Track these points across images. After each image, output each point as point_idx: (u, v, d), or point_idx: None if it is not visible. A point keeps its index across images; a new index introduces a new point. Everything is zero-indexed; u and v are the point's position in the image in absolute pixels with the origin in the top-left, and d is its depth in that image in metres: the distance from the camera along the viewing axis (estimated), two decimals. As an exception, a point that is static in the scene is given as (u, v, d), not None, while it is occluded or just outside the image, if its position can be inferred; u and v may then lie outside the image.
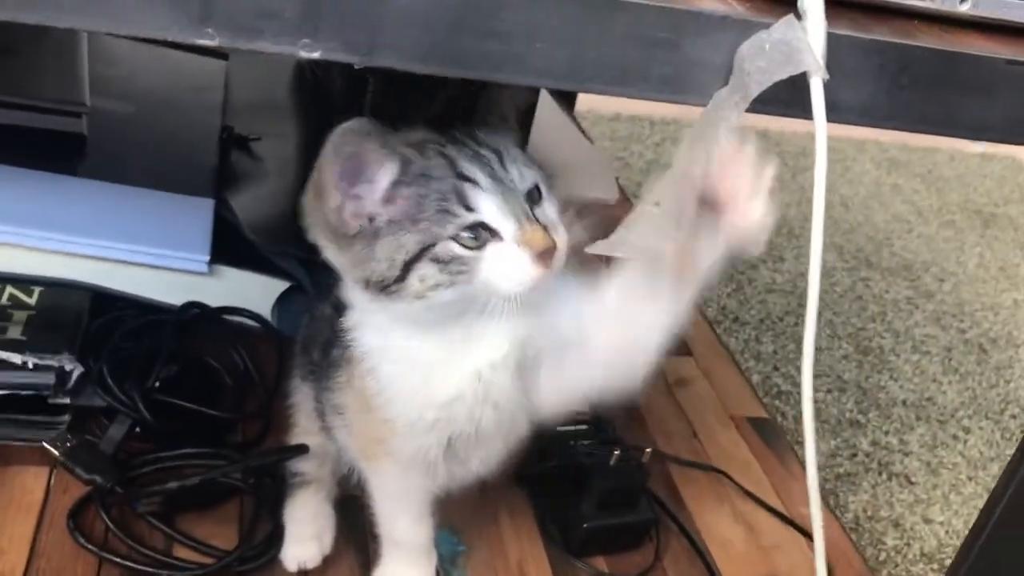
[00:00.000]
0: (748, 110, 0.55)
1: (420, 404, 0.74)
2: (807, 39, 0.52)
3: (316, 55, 0.49)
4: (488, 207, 0.66)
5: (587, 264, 0.73)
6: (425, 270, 0.67)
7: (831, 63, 0.53)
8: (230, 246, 1.07)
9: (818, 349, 1.77)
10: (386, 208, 0.67)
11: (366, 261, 0.68)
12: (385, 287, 0.68)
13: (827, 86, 0.54)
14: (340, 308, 0.77)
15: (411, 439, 0.76)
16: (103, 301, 1.02)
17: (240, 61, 1.40)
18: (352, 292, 0.74)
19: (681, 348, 1.32)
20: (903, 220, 2.40)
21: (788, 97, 0.54)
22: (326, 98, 1.35)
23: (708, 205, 0.61)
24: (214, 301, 1.06)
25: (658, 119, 2.63)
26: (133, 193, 1.06)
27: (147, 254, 1.01)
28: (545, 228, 0.67)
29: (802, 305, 1.91)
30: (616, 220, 0.66)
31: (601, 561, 0.96)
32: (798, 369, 1.72)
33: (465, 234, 0.66)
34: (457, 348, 0.73)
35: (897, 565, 1.37)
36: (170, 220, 1.05)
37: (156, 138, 1.17)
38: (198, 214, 1.06)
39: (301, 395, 0.95)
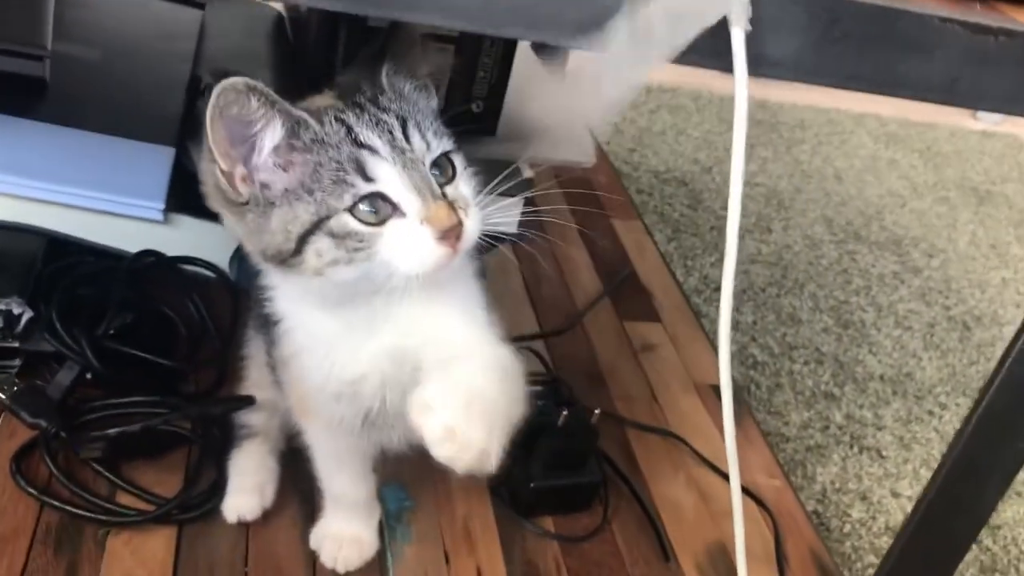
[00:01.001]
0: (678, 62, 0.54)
1: (324, 376, 0.72)
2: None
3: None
4: (388, 177, 0.63)
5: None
6: (320, 244, 0.63)
7: (757, 14, 0.52)
8: (190, 195, 1.06)
9: (798, 321, 1.78)
10: (280, 176, 0.64)
11: (261, 231, 0.65)
12: (282, 260, 0.65)
13: (752, 39, 0.52)
14: None
15: (323, 406, 0.76)
16: (58, 247, 1.02)
17: (216, 11, 1.38)
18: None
19: (650, 314, 1.32)
20: (897, 195, 2.38)
21: (711, 48, 0.52)
22: (300, 50, 1.33)
23: None
24: (173, 251, 1.06)
25: (655, 86, 2.60)
26: (92, 139, 1.05)
27: (102, 200, 1.00)
28: (452, 205, 0.64)
29: (786, 277, 1.91)
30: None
31: (549, 522, 0.96)
32: (777, 340, 1.72)
33: (363, 207, 0.63)
34: (361, 329, 0.70)
35: (861, 537, 1.36)
36: (127, 167, 1.04)
37: (121, 85, 1.16)
38: (156, 162, 1.05)
39: (254, 347, 0.94)
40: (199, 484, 0.89)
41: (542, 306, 1.28)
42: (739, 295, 1.81)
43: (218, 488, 0.89)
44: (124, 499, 0.87)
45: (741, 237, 2.05)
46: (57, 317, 0.93)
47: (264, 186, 0.64)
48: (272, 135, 0.63)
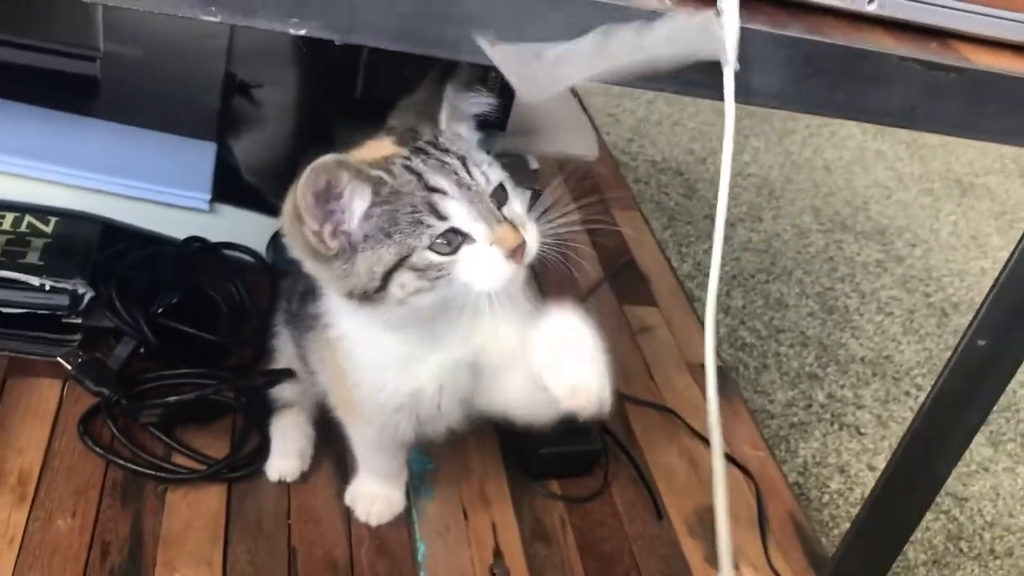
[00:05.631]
0: (676, 91, 0.64)
1: (387, 392, 0.82)
2: (722, 34, 0.61)
3: (303, 32, 0.58)
4: (458, 213, 0.71)
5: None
6: (404, 278, 0.71)
7: (746, 53, 0.62)
8: (230, 186, 1.17)
9: (784, 305, 1.89)
10: (362, 226, 0.71)
11: (347, 276, 0.72)
12: (367, 296, 0.73)
13: (742, 73, 0.63)
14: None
15: (380, 416, 0.85)
16: (112, 233, 1.11)
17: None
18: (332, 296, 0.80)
19: (647, 298, 1.42)
20: (883, 186, 2.48)
21: (708, 81, 0.63)
22: (325, 50, 1.42)
23: None
24: (214, 237, 1.16)
25: (652, 77, 2.69)
26: (142, 134, 1.15)
27: (153, 191, 1.10)
28: (513, 225, 0.73)
29: (775, 264, 2.02)
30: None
31: (555, 485, 1.07)
32: (764, 323, 1.83)
33: (439, 241, 0.71)
34: (424, 346, 0.80)
35: (839, 507, 1.48)
36: (175, 160, 1.14)
37: (163, 82, 1.26)
38: (201, 155, 1.15)
39: (282, 339, 1.04)
40: (245, 448, 1.00)
41: (547, 290, 1.38)
42: (729, 280, 1.92)
43: (261, 451, 0.99)
44: (179, 460, 0.98)
45: (732, 225, 2.16)
46: (116, 296, 1.03)
47: (347, 235, 0.72)
48: (362, 200, 0.71)
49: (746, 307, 1.86)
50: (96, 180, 1.09)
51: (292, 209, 0.70)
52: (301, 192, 0.69)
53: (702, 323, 1.42)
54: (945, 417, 0.87)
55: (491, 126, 1.46)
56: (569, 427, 1.04)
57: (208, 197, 1.12)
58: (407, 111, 0.79)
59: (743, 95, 0.64)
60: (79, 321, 1.04)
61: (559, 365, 0.73)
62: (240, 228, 1.16)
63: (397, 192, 0.71)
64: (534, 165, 1.39)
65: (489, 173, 0.74)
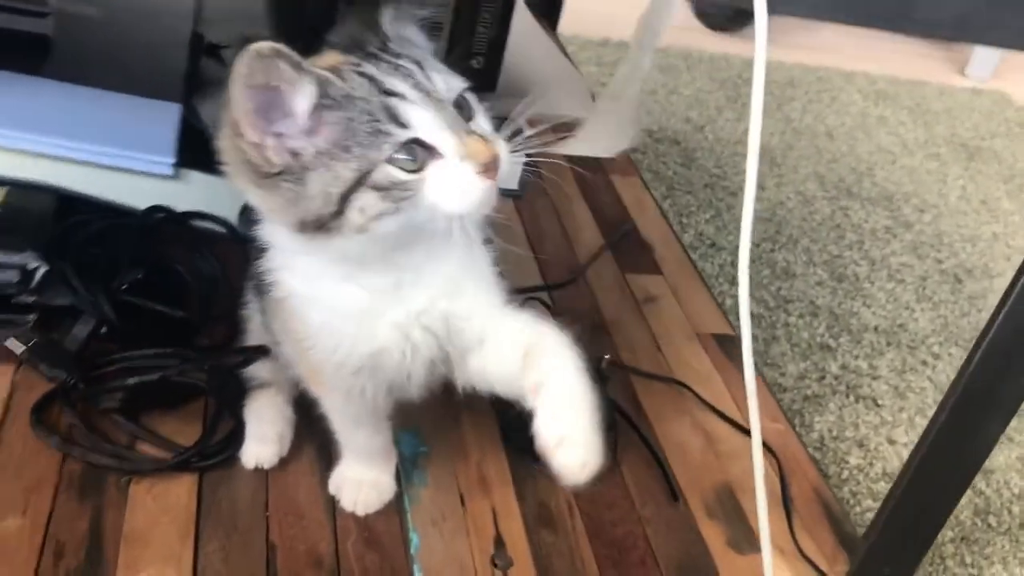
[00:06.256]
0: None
1: (345, 352, 0.73)
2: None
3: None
4: (421, 121, 0.63)
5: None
6: (364, 199, 0.62)
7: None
8: (198, 151, 1.07)
9: (793, 275, 1.80)
10: (311, 139, 0.62)
11: (297, 200, 0.63)
12: (321, 225, 0.64)
13: (772, -25, 0.54)
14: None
15: (341, 380, 0.77)
16: (68, 203, 1.02)
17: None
18: (277, 234, 0.71)
19: (651, 267, 1.33)
20: (887, 151, 2.39)
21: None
22: (299, 8, 1.33)
23: None
24: (181, 206, 1.07)
25: (646, 46, 2.60)
26: (99, 95, 1.06)
27: (113, 155, 1.01)
28: (483, 139, 0.64)
29: (780, 232, 1.93)
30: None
31: (560, 466, 0.98)
32: (772, 294, 1.74)
33: (402, 156, 0.62)
34: (385, 299, 0.71)
35: (859, 483, 1.39)
36: (136, 123, 1.05)
37: (124, 42, 1.17)
38: (164, 118, 1.06)
39: (252, 308, 0.95)
40: (216, 433, 0.91)
41: (545, 260, 1.29)
42: (733, 250, 1.83)
43: (235, 436, 0.91)
44: (144, 448, 0.89)
45: (734, 194, 2.07)
46: (73, 271, 0.94)
47: (295, 153, 0.63)
48: (304, 99, 0.62)
49: (753, 277, 1.77)
50: (49, 144, 1.00)
51: (228, 119, 0.61)
52: (236, 92, 0.59)
53: (710, 291, 1.34)
54: (989, 387, 0.79)
55: (481, 87, 1.38)
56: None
57: (172, 161, 1.03)
58: (348, 24, 0.70)
59: (779, 6, 0.55)
60: (32, 300, 0.95)
61: (555, 407, 0.66)
62: (209, 195, 1.07)
63: (349, 97, 0.63)
64: (528, 131, 1.30)
65: (450, 81, 0.66)
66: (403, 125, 0.62)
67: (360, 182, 0.62)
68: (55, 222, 0.99)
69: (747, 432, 1.08)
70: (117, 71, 1.11)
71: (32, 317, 0.95)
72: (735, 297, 1.69)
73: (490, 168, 0.64)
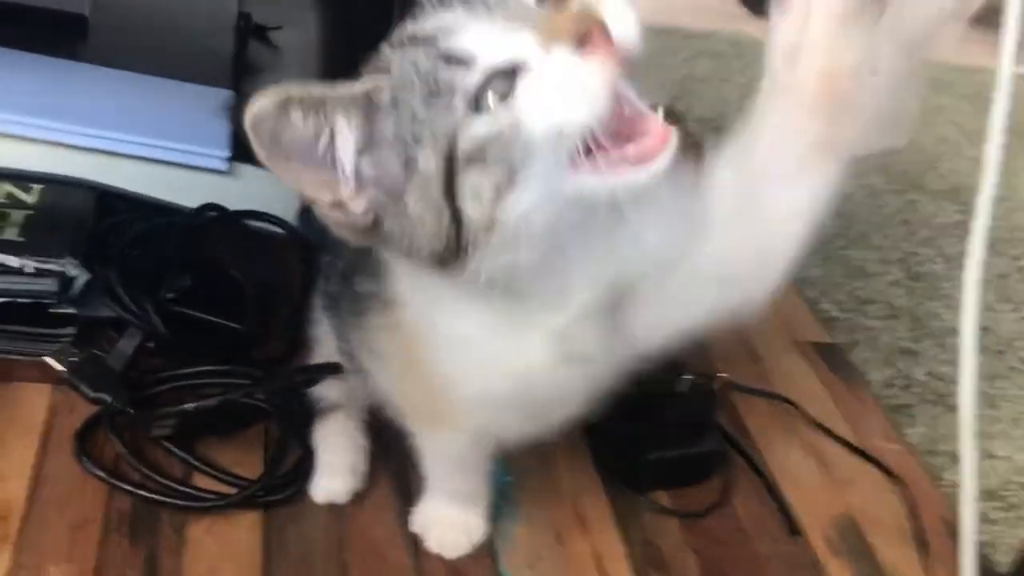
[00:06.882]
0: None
1: (490, 378, 0.61)
2: None
3: None
4: (483, 39, 0.49)
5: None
6: (469, 182, 0.50)
7: None
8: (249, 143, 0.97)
9: (867, 274, 1.69)
10: (376, 157, 0.52)
11: (413, 233, 0.52)
12: (455, 249, 0.52)
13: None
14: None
15: (479, 415, 0.66)
16: (109, 201, 0.94)
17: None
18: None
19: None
20: (950, 142, 2.28)
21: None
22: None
23: None
24: (234, 204, 0.97)
25: (693, 32, 2.50)
26: (142, 81, 0.96)
27: (160, 148, 0.92)
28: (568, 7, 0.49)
29: (850, 228, 1.82)
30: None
31: (664, 497, 0.87)
32: (848, 294, 1.62)
33: (483, 101, 0.49)
34: (536, 308, 0.58)
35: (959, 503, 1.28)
36: (184, 112, 0.95)
37: (166, 22, 1.08)
38: (214, 106, 0.96)
39: (322, 329, 0.85)
40: (282, 464, 0.81)
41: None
42: (814, 248, 1.72)
43: (304, 468, 0.80)
44: (201, 482, 0.79)
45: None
46: (117, 279, 0.84)
47: (376, 183, 0.53)
48: (346, 132, 0.52)
49: (825, 276, 1.66)
50: (88, 136, 0.91)
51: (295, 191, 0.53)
52: (271, 166, 0.51)
53: (801, 295, 1.24)
54: None
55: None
56: (682, 427, 0.86)
57: (227, 155, 0.93)
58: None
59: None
60: (72, 311, 0.85)
61: None
62: (265, 193, 0.97)
63: (403, 84, 0.51)
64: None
65: None
66: (464, 61, 0.50)
67: (451, 165, 0.50)
68: (95, 224, 0.90)
69: (863, 455, 0.98)
70: (159, 54, 1.02)
71: (71, 331, 0.85)
72: (807, 299, 1.59)
73: (593, 39, 0.47)
